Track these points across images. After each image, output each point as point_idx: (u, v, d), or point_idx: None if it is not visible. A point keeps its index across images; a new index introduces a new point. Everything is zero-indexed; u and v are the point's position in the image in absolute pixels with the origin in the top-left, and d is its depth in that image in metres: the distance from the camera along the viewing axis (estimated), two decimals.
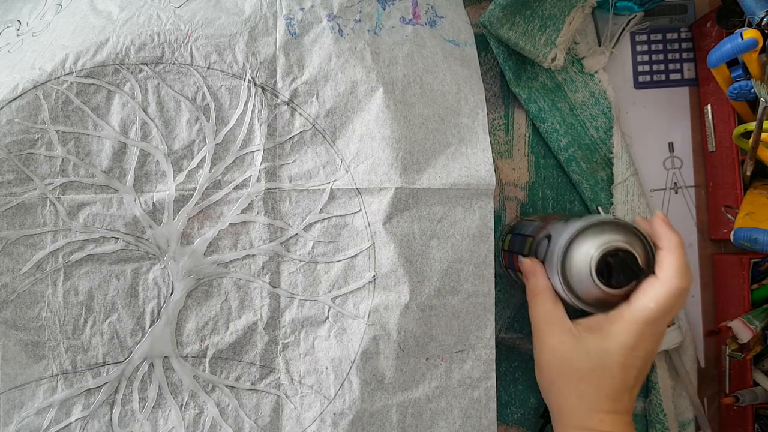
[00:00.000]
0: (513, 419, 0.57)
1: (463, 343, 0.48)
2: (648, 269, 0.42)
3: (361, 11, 0.50)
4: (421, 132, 0.48)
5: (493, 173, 0.48)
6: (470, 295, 0.48)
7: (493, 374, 0.48)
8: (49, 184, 0.45)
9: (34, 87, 0.45)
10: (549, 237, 0.46)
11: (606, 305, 0.43)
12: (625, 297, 0.43)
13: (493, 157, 0.56)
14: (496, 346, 0.57)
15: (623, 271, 0.41)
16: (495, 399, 0.48)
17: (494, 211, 0.58)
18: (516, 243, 0.52)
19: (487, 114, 0.58)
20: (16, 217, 0.45)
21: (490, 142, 0.58)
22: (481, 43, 0.58)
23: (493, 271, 0.48)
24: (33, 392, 0.44)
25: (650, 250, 0.43)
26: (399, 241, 0.46)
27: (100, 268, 0.45)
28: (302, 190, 0.47)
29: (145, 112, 0.47)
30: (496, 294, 0.57)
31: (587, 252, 0.42)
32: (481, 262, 0.48)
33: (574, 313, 0.44)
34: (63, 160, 0.45)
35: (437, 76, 0.50)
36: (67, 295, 0.45)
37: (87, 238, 0.45)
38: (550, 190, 0.59)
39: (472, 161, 0.49)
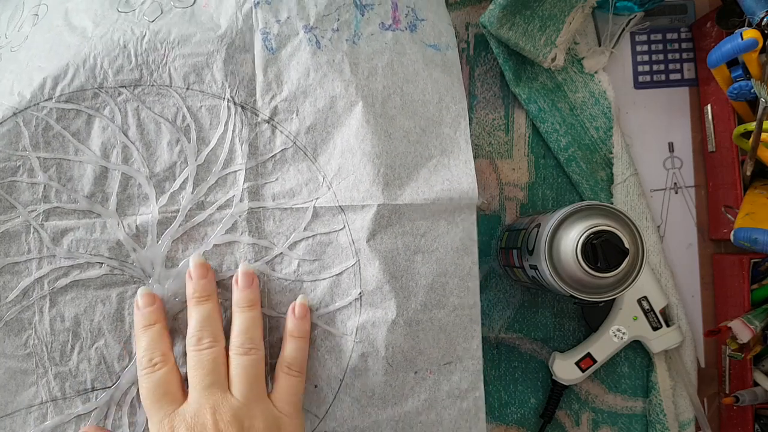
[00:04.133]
0: (513, 419, 0.57)
1: (450, 355, 0.48)
2: (636, 252, 0.42)
3: (338, 19, 0.49)
4: (402, 145, 0.48)
5: (476, 186, 0.48)
6: (456, 307, 0.48)
7: (482, 385, 0.48)
8: (32, 211, 0.45)
9: (14, 114, 0.45)
10: (538, 226, 0.46)
11: (596, 291, 0.43)
12: (616, 282, 0.42)
13: (494, 163, 0.56)
14: (497, 346, 0.57)
15: (610, 254, 0.41)
16: (484, 409, 0.48)
17: (494, 211, 0.58)
18: (511, 238, 0.52)
19: (487, 114, 0.58)
20: (0, 245, 0.45)
21: (490, 141, 0.58)
22: (481, 43, 0.58)
23: (477, 282, 0.48)
24: (23, 420, 0.44)
25: (638, 234, 0.42)
26: (383, 257, 0.46)
27: (86, 293, 0.45)
28: (285, 208, 0.47)
29: (126, 135, 0.46)
30: (496, 294, 0.57)
31: (573, 236, 0.42)
32: (466, 275, 0.48)
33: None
34: (45, 186, 0.45)
35: (418, 85, 0.50)
36: (53, 321, 0.45)
37: (71, 264, 0.45)
38: (550, 190, 0.59)
39: (454, 173, 0.48)
